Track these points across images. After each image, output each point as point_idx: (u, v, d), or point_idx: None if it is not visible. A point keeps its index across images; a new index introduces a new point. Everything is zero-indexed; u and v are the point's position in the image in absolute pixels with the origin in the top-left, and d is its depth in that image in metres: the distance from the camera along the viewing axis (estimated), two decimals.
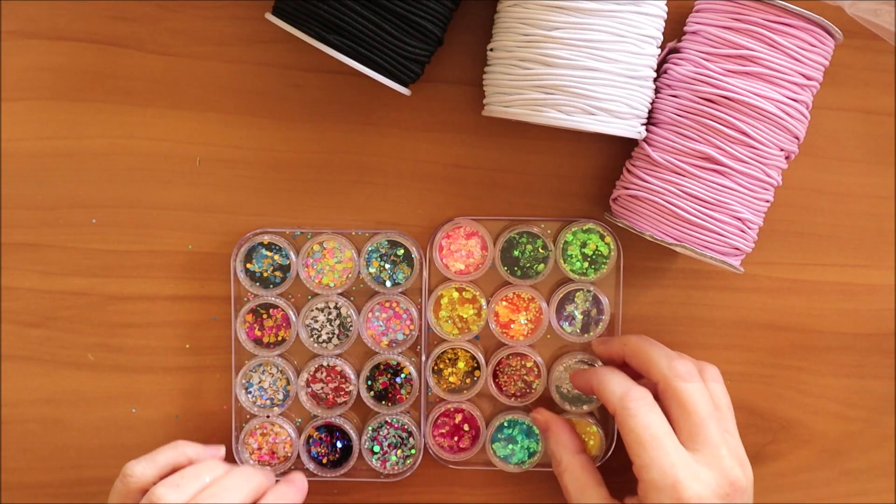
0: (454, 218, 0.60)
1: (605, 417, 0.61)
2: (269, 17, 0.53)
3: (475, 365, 0.60)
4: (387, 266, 0.59)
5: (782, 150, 0.54)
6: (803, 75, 0.52)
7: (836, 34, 0.53)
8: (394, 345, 0.60)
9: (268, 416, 0.60)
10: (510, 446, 0.60)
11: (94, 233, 0.59)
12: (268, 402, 0.60)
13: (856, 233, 0.61)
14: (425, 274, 0.60)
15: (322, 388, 0.60)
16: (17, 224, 0.59)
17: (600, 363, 0.60)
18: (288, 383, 0.60)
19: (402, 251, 0.59)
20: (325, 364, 0.59)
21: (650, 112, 0.55)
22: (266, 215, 0.59)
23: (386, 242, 0.59)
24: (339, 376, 0.60)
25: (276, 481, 0.57)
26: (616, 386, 0.52)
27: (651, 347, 0.55)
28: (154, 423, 0.60)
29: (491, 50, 0.54)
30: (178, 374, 0.60)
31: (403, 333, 0.60)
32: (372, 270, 0.59)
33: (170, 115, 0.59)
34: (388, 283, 0.59)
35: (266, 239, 0.59)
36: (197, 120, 0.59)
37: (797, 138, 0.54)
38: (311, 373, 0.60)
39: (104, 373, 0.60)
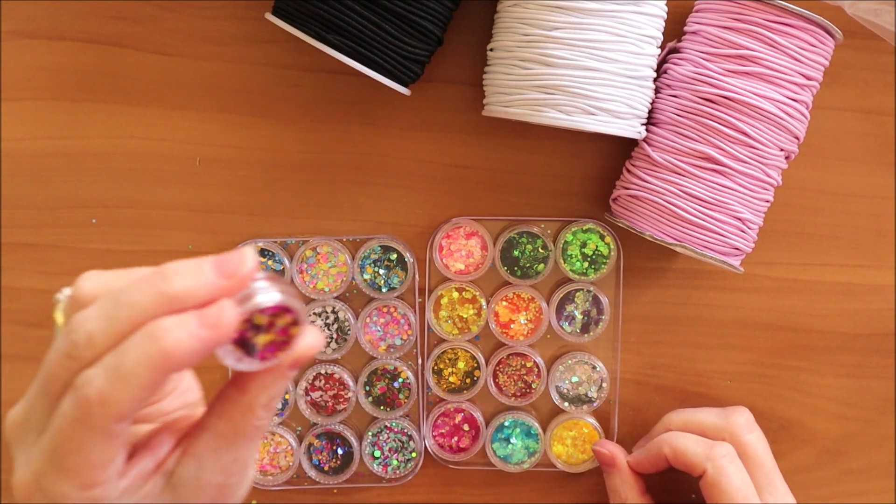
0: (454, 218, 0.60)
1: (606, 418, 0.61)
2: (269, 16, 0.53)
3: (475, 365, 0.60)
4: (381, 271, 0.59)
5: (782, 150, 0.54)
6: (803, 75, 0.52)
7: (836, 34, 0.53)
8: (391, 350, 0.60)
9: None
10: (510, 446, 0.60)
11: (94, 233, 0.59)
12: None
13: (856, 233, 0.60)
14: (419, 275, 0.60)
15: (321, 395, 0.60)
16: (17, 224, 0.59)
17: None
18: (286, 392, 0.59)
19: (395, 255, 0.59)
20: (323, 372, 0.59)
21: (650, 112, 0.55)
22: (265, 215, 0.59)
23: (378, 248, 0.59)
24: (337, 384, 0.60)
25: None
26: (696, 446, 0.54)
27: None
28: None
29: (491, 50, 0.54)
30: None
31: (401, 338, 0.60)
32: (366, 277, 0.59)
33: (170, 115, 0.59)
34: (384, 289, 0.59)
35: (259, 245, 0.59)
36: (197, 120, 0.59)
37: (797, 138, 0.54)
38: (310, 381, 0.59)
39: None
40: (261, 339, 0.35)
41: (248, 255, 0.34)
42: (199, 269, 0.34)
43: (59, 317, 0.38)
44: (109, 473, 0.35)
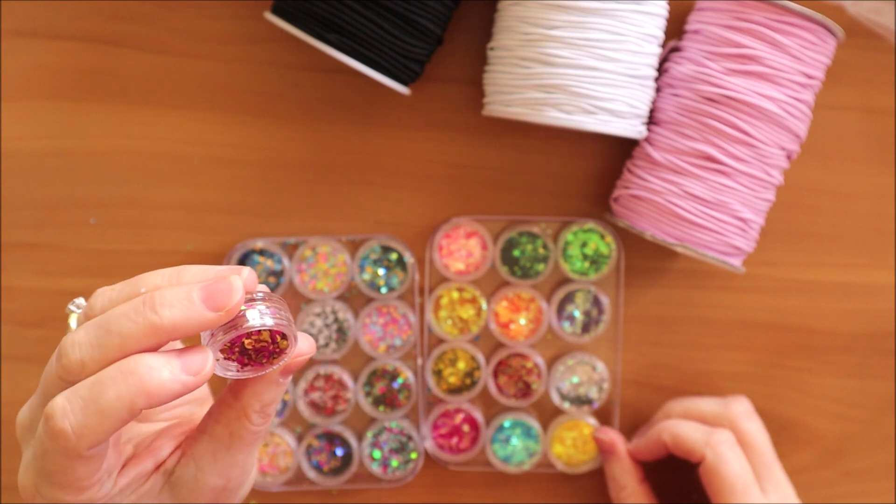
0: (454, 218, 0.59)
1: (606, 419, 0.61)
2: (269, 16, 0.53)
3: (475, 365, 0.60)
4: (380, 272, 0.59)
5: (784, 149, 0.53)
6: (805, 74, 0.52)
7: (837, 33, 0.52)
8: (391, 350, 0.59)
9: None
10: (510, 447, 0.60)
11: (94, 233, 0.59)
12: None
13: (857, 232, 0.60)
14: (418, 276, 0.59)
15: (321, 396, 0.59)
16: (17, 224, 0.59)
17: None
18: (285, 392, 0.59)
19: (395, 255, 0.59)
20: (322, 372, 0.59)
21: (651, 111, 0.54)
22: (265, 215, 0.59)
23: (378, 248, 0.59)
24: (337, 384, 0.59)
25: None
26: (695, 432, 0.54)
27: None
28: None
29: (491, 49, 0.54)
30: None
31: (401, 339, 0.59)
32: (366, 277, 0.59)
33: (169, 115, 0.59)
34: (384, 290, 0.59)
35: (259, 245, 0.59)
36: (196, 119, 0.59)
37: (798, 137, 0.54)
38: (309, 382, 0.59)
39: None
40: (251, 352, 0.36)
41: (236, 287, 0.35)
42: (188, 301, 0.34)
43: (73, 327, 0.39)
44: (100, 477, 0.36)
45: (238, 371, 0.36)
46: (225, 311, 0.34)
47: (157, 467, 0.39)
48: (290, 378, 0.38)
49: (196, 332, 0.35)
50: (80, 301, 0.40)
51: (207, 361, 0.34)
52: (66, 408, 0.33)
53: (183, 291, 0.34)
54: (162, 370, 0.33)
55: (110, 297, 0.36)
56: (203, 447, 0.38)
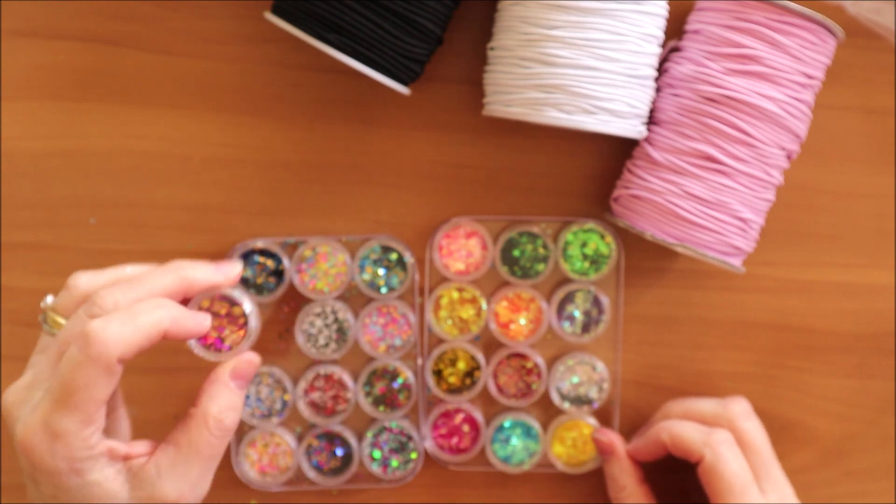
0: (454, 218, 0.59)
1: (606, 419, 0.61)
2: (269, 16, 0.53)
3: (475, 365, 0.60)
4: (381, 272, 0.59)
5: (784, 149, 0.53)
6: (805, 74, 0.52)
7: (837, 33, 0.52)
8: (391, 350, 0.59)
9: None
10: (510, 447, 0.60)
11: (93, 233, 0.59)
12: (266, 412, 0.59)
13: (857, 232, 0.60)
14: (418, 276, 0.59)
15: (321, 396, 0.59)
16: (17, 224, 0.59)
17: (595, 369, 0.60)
18: (285, 392, 0.59)
19: (395, 255, 0.59)
20: (322, 372, 0.59)
21: (651, 111, 0.54)
22: (265, 215, 0.59)
23: (378, 248, 0.59)
24: (336, 384, 0.59)
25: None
26: (694, 433, 0.54)
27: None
28: (153, 424, 0.60)
29: (491, 49, 0.54)
30: (177, 374, 0.60)
31: (401, 339, 0.59)
32: (366, 277, 0.59)
33: (169, 115, 0.59)
34: (384, 289, 0.59)
35: (259, 245, 0.58)
36: (196, 119, 0.59)
37: (798, 137, 0.54)
38: (309, 381, 0.59)
39: None
40: (214, 325, 0.46)
41: (237, 264, 0.47)
42: (204, 265, 0.45)
43: (56, 317, 0.44)
44: (103, 416, 0.41)
45: (197, 345, 0.46)
46: (230, 277, 0.46)
47: (127, 458, 0.43)
48: (245, 391, 0.45)
49: (209, 286, 0.45)
50: (51, 297, 0.46)
51: (208, 318, 0.45)
52: (106, 321, 0.40)
53: (199, 262, 0.45)
54: (179, 308, 0.43)
55: (92, 280, 0.45)
56: (166, 454, 0.43)
